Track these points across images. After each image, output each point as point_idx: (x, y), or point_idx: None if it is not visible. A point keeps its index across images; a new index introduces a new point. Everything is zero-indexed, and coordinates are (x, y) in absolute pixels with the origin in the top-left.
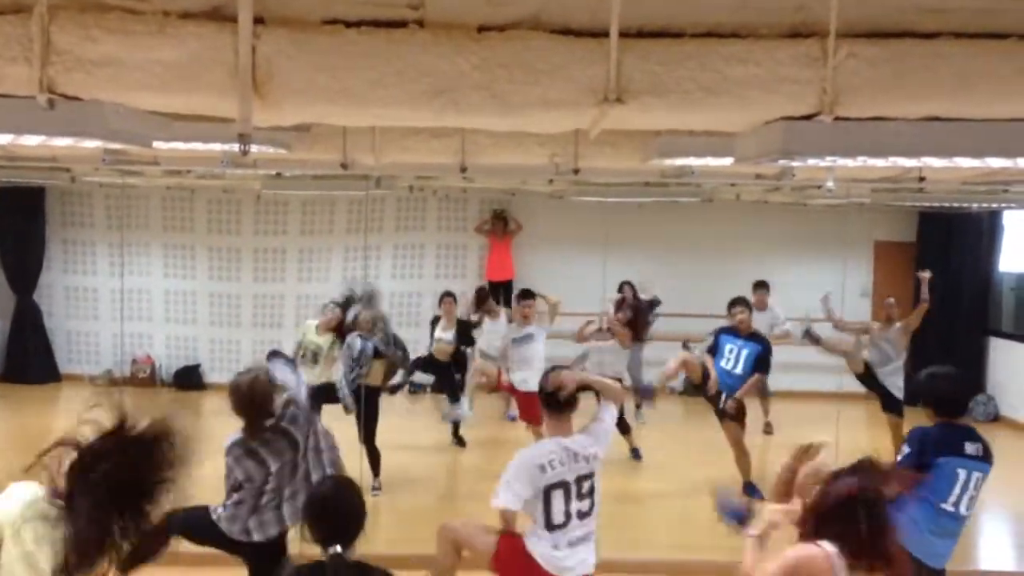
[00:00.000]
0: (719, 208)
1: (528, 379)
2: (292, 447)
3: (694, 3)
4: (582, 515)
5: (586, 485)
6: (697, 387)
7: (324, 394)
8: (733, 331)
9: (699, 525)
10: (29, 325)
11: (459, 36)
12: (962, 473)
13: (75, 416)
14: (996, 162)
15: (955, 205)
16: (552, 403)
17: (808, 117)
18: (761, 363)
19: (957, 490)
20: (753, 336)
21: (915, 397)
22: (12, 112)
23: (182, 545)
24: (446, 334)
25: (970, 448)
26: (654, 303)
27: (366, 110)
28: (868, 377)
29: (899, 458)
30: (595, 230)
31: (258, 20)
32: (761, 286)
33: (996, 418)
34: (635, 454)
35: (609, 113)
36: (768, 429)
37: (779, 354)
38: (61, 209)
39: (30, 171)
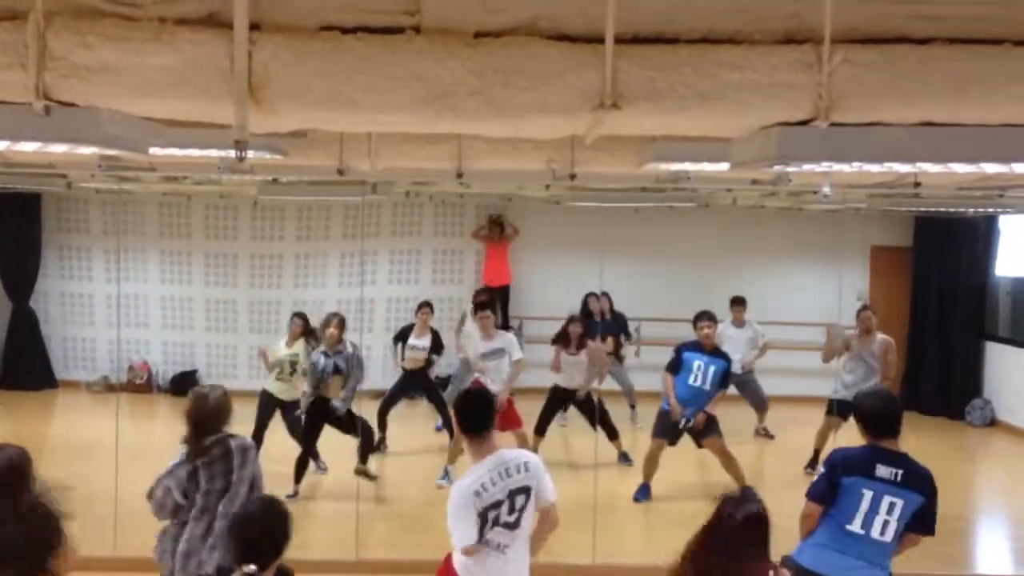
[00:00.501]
0: (715, 213)
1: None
2: (227, 473)
3: (689, 9)
4: (508, 525)
5: (519, 499)
6: None
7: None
8: (698, 348)
9: (693, 529)
10: (25, 331)
11: (455, 42)
12: (867, 494)
13: (71, 422)
14: (991, 167)
15: (951, 210)
16: (467, 426)
17: (804, 122)
18: (726, 379)
19: (863, 511)
20: (716, 352)
21: (912, 402)
22: (8, 118)
23: None
24: (420, 342)
25: (883, 471)
26: (620, 319)
27: (362, 116)
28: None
29: (814, 479)
30: (591, 235)
31: (254, 26)
32: (737, 302)
33: (993, 422)
34: (624, 458)
35: (605, 119)
36: (766, 433)
37: (776, 359)
38: (57, 215)
39: (26, 177)
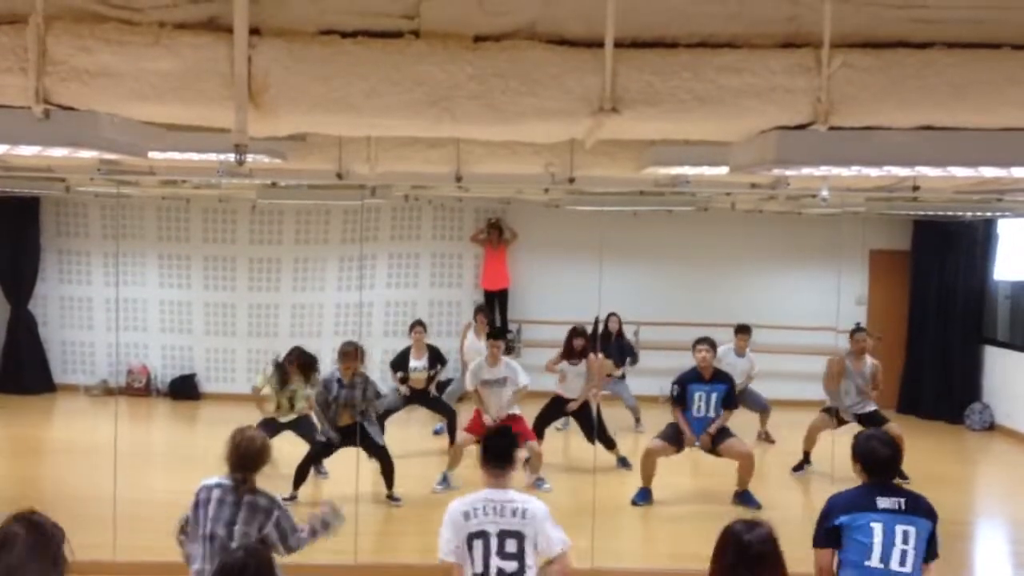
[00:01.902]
0: (714, 217)
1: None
2: (230, 524)
3: (688, 14)
4: (503, 574)
5: (510, 543)
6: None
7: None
8: (697, 378)
9: (693, 535)
10: (24, 335)
11: (454, 46)
12: (877, 527)
13: (69, 426)
14: (990, 171)
15: (950, 214)
16: (490, 458)
17: (802, 126)
18: (729, 400)
19: (878, 544)
20: (716, 377)
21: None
22: (7, 122)
23: None
24: (419, 363)
25: (885, 503)
26: (625, 346)
27: (361, 120)
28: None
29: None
30: (590, 239)
31: (254, 30)
32: (743, 330)
33: (991, 426)
34: (623, 463)
35: (604, 123)
36: (768, 438)
37: (778, 363)
38: (56, 219)
39: (25, 181)
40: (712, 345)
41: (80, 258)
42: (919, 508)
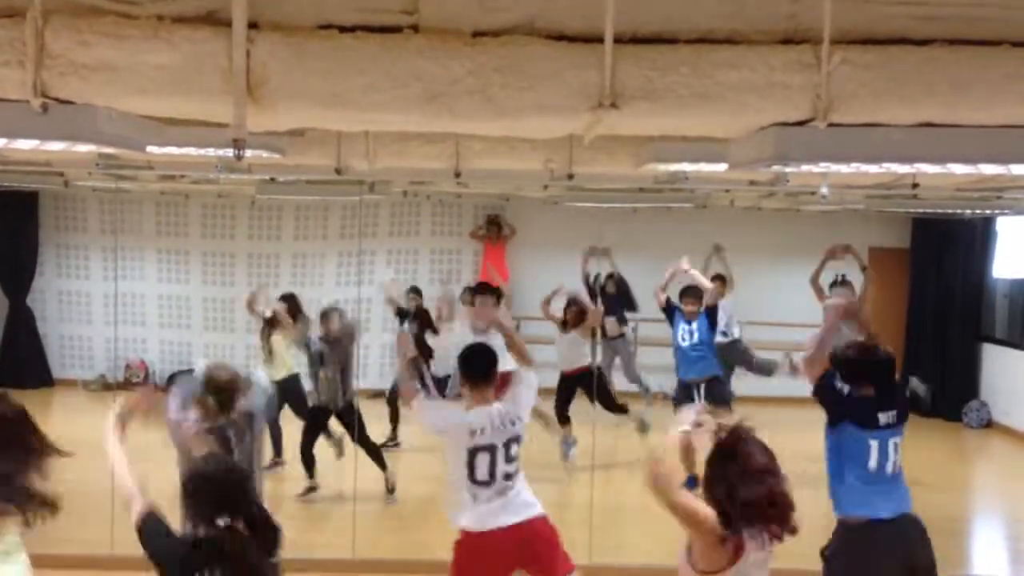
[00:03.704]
0: (713, 214)
1: None
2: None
3: (687, 9)
4: (508, 476)
5: (514, 448)
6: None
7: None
8: (683, 316)
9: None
10: (22, 329)
11: (453, 41)
12: (874, 444)
13: (68, 421)
14: (990, 168)
15: (949, 211)
16: (471, 374)
17: (802, 123)
18: (713, 322)
19: (874, 457)
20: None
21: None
22: (5, 116)
23: None
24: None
25: (884, 418)
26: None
27: (360, 115)
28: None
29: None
30: (589, 235)
31: (252, 24)
32: (717, 278)
33: (989, 424)
34: (642, 426)
35: (603, 118)
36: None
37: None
38: (55, 213)
39: (23, 175)
40: (697, 297)
41: (78, 253)
42: (903, 414)
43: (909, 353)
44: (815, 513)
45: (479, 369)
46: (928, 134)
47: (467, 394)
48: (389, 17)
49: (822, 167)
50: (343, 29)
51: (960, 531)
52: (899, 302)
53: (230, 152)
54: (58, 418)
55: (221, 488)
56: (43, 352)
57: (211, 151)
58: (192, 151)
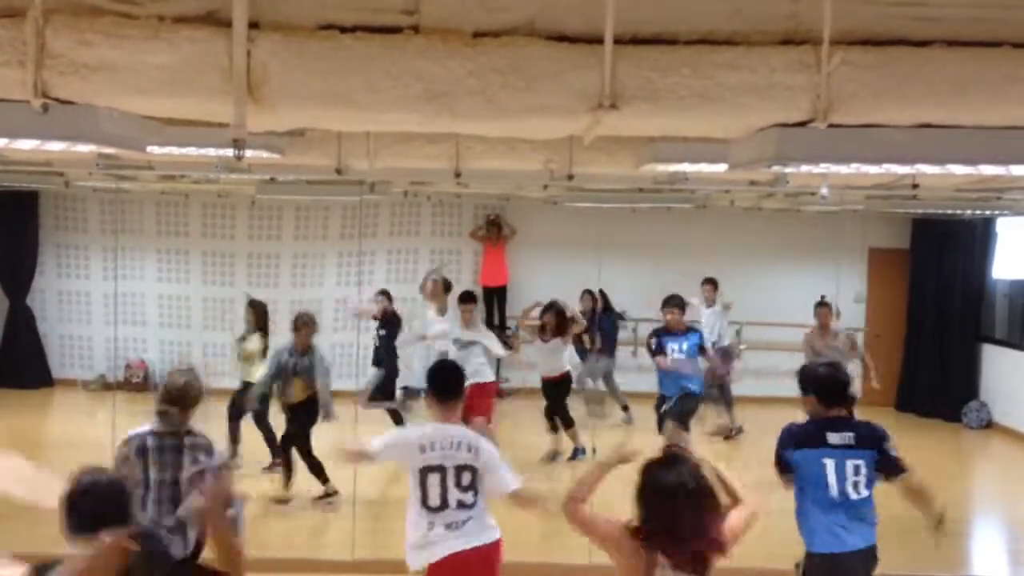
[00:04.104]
0: (713, 214)
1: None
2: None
3: (688, 10)
4: (463, 505)
5: (465, 476)
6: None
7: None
8: (668, 332)
9: None
10: (22, 329)
11: (454, 42)
12: (829, 463)
13: (68, 421)
14: (989, 169)
15: (949, 212)
16: (438, 391)
17: (802, 124)
18: (702, 349)
19: (833, 480)
20: (689, 330)
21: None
22: (6, 116)
23: None
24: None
25: (835, 438)
26: (614, 314)
27: (360, 115)
28: None
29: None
30: (589, 235)
31: (253, 24)
32: (708, 281)
33: (989, 424)
34: (579, 452)
35: (603, 119)
36: (733, 433)
37: (777, 361)
38: (55, 213)
39: (24, 175)
40: (678, 305)
41: (78, 252)
42: (867, 440)
43: (909, 353)
44: None
45: (446, 386)
46: (928, 135)
47: (432, 411)
48: (390, 17)
49: (822, 167)
50: (343, 29)
51: (960, 532)
52: (899, 302)
53: (230, 152)
54: (58, 418)
55: (95, 503)
56: (43, 352)
57: (211, 151)
58: (192, 151)
